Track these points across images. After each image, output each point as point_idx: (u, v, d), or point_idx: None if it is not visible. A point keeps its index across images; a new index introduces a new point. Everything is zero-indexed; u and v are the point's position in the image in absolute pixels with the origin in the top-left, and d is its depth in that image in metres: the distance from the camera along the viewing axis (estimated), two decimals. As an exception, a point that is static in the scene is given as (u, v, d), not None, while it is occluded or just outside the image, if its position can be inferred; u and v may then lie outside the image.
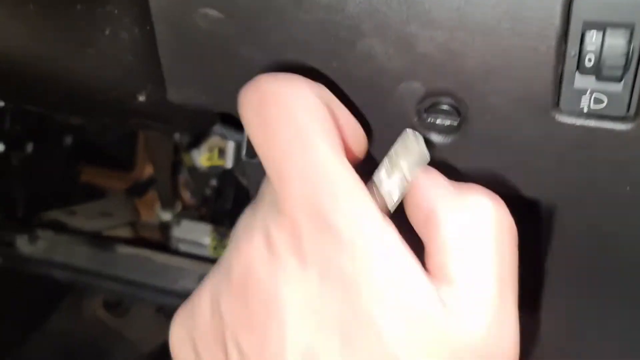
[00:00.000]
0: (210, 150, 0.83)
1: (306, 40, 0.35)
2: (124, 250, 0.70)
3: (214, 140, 0.83)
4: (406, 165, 0.32)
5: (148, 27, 0.38)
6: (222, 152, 0.82)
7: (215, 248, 0.83)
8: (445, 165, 0.38)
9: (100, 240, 0.76)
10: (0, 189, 0.76)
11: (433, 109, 0.36)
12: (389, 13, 0.33)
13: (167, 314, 0.92)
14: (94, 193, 0.95)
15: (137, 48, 0.39)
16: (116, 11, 0.36)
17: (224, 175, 0.86)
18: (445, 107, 0.35)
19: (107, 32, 0.37)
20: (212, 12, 0.36)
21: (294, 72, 0.33)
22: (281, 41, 0.36)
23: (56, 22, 0.36)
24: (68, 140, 0.90)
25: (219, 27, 0.37)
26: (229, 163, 0.80)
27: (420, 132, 0.36)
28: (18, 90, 0.41)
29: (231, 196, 0.86)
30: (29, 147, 0.80)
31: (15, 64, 0.37)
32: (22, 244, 0.70)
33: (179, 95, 0.41)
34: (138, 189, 0.99)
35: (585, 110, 0.32)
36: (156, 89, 0.40)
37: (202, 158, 0.84)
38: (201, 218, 0.91)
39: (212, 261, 0.71)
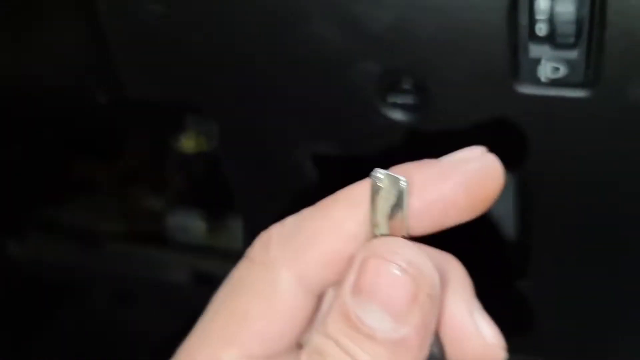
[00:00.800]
0: (197, 135, 0.82)
1: (254, 28, 0.35)
2: (115, 246, 0.70)
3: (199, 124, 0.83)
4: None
5: (97, 26, 0.37)
6: (209, 136, 0.81)
7: (208, 231, 0.83)
8: (413, 144, 0.37)
9: (90, 238, 0.76)
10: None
11: (395, 88, 0.35)
12: (334, -5, 0.32)
13: (163, 309, 0.92)
14: (84, 185, 0.95)
15: (89, 48, 0.38)
16: (61, 12, 0.36)
17: (213, 158, 0.85)
18: (407, 86, 0.35)
19: (54, 36, 0.36)
20: (155, 6, 0.35)
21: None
22: (228, 30, 0.35)
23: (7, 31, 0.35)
24: (54, 134, 0.89)
25: (163, 21, 0.36)
26: (215, 147, 0.79)
27: (383, 112, 0.36)
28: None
29: (222, 180, 0.86)
30: (14, 147, 0.80)
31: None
32: (13, 246, 0.70)
33: (136, 90, 0.40)
34: (128, 178, 0.99)
35: (543, 79, 0.32)
36: (115, 88, 0.40)
37: (188, 144, 0.83)
38: (193, 203, 0.91)
39: (206, 251, 0.71)
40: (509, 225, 0.49)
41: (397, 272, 0.21)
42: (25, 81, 0.38)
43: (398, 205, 0.23)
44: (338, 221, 0.23)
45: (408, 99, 0.35)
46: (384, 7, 0.32)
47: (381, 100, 0.36)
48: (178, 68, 0.38)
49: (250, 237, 0.50)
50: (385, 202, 0.23)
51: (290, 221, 0.25)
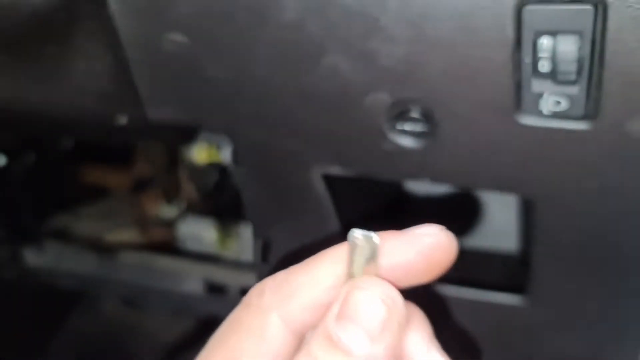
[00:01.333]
0: (209, 146, 0.84)
1: (270, 59, 0.36)
2: (129, 256, 0.72)
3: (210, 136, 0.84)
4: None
5: (121, 54, 0.39)
6: (219, 148, 0.83)
7: (220, 241, 0.85)
8: (421, 169, 0.39)
9: (105, 247, 0.78)
10: (5, 201, 0.78)
11: (404, 116, 0.37)
12: (348, 30, 0.34)
13: (175, 318, 0.94)
14: (97, 193, 0.97)
15: (113, 74, 0.40)
16: (85, 43, 0.37)
17: (224, 169, 0.87)
18: (415, 114, 0.36)
19: (80, 64, 0.38)
20: (178, 37, 0.37)
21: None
22: (246, 60, 0.37)
23: (28, 66, 0.37)
24: (68, 144, 0.92)
25: (186, 50, 0.38)
26: (227, 159, 0.81)
27: (392, 139, 0.38)
28: (5, 127, 0.43)
29: (233, 190, 0.87)
30: (30, 157, 0.81)
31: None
32: (30, 256, 0.72)
33: (157, 113, 0.42)
34: (140, 186, 1.01)
35: (545, 112, 0.33)
36: (136, 110, 0.42)
37: (200, 155, 0.85)
38: (205, 212, 0.93)
39: (218, 261, 0.73)
40: (510, 242, 0.51)
41: (377, 301, 0.26)
42: (50, 103, 0.40)
43: (372, 258, 0.27)
44: (318, 276, 0.28)
45: (416, 127, 0.37)
46: (395, 42, 0.33)
47: (390, 128, 0.37)
48: (197, 93, 0.40)
49: (260, 250, 0.52)
50: (360, 256, 0.28)
51: (280, 275, 0.29)
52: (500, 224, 0.53)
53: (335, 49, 0.35)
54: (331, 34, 0.34)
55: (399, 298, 0.27)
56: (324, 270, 0.28)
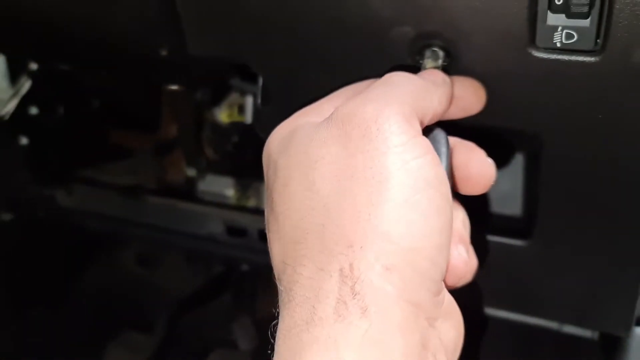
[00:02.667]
0: (230, 107, 0.87)
1: None
2: (153, 199, 0.75)
3: (233, 98, 0.87)
4: None
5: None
6: (241, 109, 0.86)
7: (238, 199, 0.88)
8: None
9: (131, 191, 0.82)
10: (36, 150, 0.82)
11: (425, 50, 0.39)
12: (379, -36, 0.37)
13: (196, 263, 0.98)
14: (122, 153, 1.00)
15: (159, 4, 0.43)
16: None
17: (244, 130, 0.90)
18: (435, 48, 0.39)
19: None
20: None
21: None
22: None
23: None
24: (95, 103, 0.95)
25: None
26: (248, 118, 0.84)
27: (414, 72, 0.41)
28: (49, 48, 0.46)
29: (252, 150, 0.91)
30: (60, 110, 0.85)
31: (51, 25, 0.42)
32: (61, 196, 0.76)
33: (199, 47, 0.45)
34: (164, 148, 1.04)
35: (558, 44, 0.36)
36: (177, 44, 0.45)
37: (222, 115, 0.88)
38: (224, 172, 0.96)
39: (236, 208, 0.76)
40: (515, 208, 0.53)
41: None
42: (99, 23, 0.43)
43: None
44: None
45: (436, 61, 0.39)
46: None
47: (412, 61, 0.40)
48: (235, 27, 0.43)
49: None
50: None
51: None
52: (506, 189, 0.55)
53: None
54: (362, -34, 0.37)
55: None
56: None
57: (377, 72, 0.41)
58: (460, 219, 0.38)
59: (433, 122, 0.36)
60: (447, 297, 0.33)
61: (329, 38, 0.41)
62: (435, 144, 0.35)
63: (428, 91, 0.35)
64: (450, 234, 0.32)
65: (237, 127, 0.89)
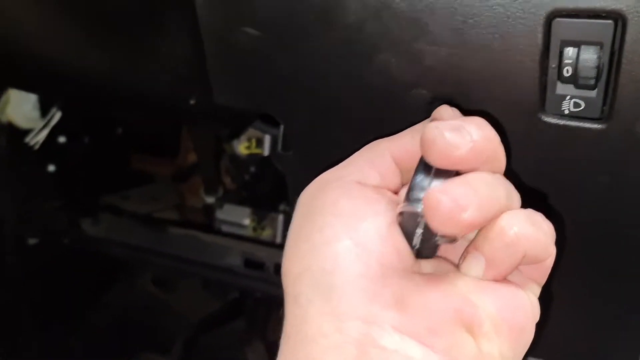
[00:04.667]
0: (249, 140, 0.89)
1: (330, 54, 0.42)
2: (175, 230, 0.78)
3: (252, 131, 0.90)
4: None
5: (198, 41, 0.45)
6: (259, 142, 0.89)
7: (254, 229, 0.90)
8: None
9: (153, 222, 0.84)
10: (63, 177, 0.85)
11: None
12: (400, 32, 0.39)
13: (212, 289, 1.00)
14: (143, 179, 1.03)
15: (190, 59, 0.46)
16: (172, 28, 0.43)
17: (262, 162, 0.93)
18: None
19: (164, 47, 0.44)
20: (251, 30, 0.43)
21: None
22: (309, 55, 0.42)
23: (124, 42, 0.43)
24: (119, 131, 0.99)
25: (257, 43, 0.43)
26: (266, 151, 0.87)
27: None
28: (89, 97, 0.49)
29: (269, 181, 0.93)
30: (86, 139, 0.88)
31: (89, 78, 0.44)
32: (87, 225, 0.79)
33: (224, 99, 0.48)
34: (183, 175, 1.07)
35: (567, 112, 0.38)
36: (205, 93, 0.47)
37: (241, 147, 0.90)
38: (241, 202, 0.98)
39: (253, 241, 0.78)
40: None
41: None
42: (134, 79, 0.46)
43: None
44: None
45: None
46: (440, 45, 0.39)
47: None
48: (261, 82, 0.45)
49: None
50: None
51: None
52: None
53: (387, 48, 0.40)
54: (385, 35, 0.40)
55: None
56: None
57: (395, 129, 0.44)
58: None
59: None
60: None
61: (350, 97, 0.43)
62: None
63: (402, 136, 0.36)
64: None
65: (255, 159, 0.91)
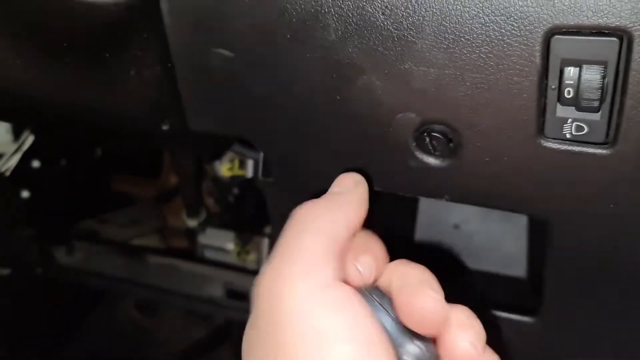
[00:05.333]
0: (231, 161, 0.86)
1: (311, 76, 0.39)
2: (154, 259, 0.74)
3: (234, 152, 0.87)
4: None
5: (169, 65, 0.42)
6: (242, 163, 0.86)
7: (238, 253, 0.87)
8: (443, 186, 0.41)
9: (131, 250, 0.81)
10: (38, 202, 0.81)
11: (430, 135, 0.39)
12: (386, 52, 0.36)
13: (197, 314, 0.96)
14: (124, 201, 1.00)
15: (160, 84, 0.43)
16: (140, 53, 0.40)
17: (245, 184, 0.89)
18: (439, 134, 0.38)
19: (132, 72, 0.40)
20: (224, 52, 0.40)
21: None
22: (288, 77, 0.39)
23: (89, 68, 0.40)
24: (98, 152, 0.95)
25: (231, 65, 0.40)
26: (249, 173, 0.84)
27: (417, 155, 0.40)
28: (56, 124, 0.45)
29: (252, 204, 0.90)
30: (63, 162, 0.85)
31: (54, 105, 0.41)
32: (60, 255, 0.75)
33: (198, 124, 0.44)
34: (164, 197, 1.04)
35: (568, 136, 0.35)
36: (178, 118, 0.44)
37: (223, 168, 0.87)
38: (225, 225, 0.95)
39: (237, 269, 0.75)
40: (521, 264, 0.52)
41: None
42: (104, 106, 0.43)
43: None
44: None
45: (441, 146, 0.39)
46: (429, 66, 0.35)
47: (416, 146, 0.39)
48: (237, 106, 0.42)
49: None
50: None
51: None
52: (511, 251, 0.54)
53: (372, 69, 0.37)
54: (369, 55, 0.36)
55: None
56: None
57: (378, 156, 0.41)
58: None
59: (359, 227, 0.36)
60: None
61: (331, 121, 0.40)
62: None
63: (337, 211, 0.35)
64: None
65: (238, 180, 0.88)
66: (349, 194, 0.37)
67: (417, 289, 0.32)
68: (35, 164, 0.80)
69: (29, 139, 0.74)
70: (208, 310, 0.69)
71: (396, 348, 0.31)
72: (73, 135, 0.51)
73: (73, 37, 0.38)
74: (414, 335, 0.32)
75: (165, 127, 0.45)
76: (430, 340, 0.32)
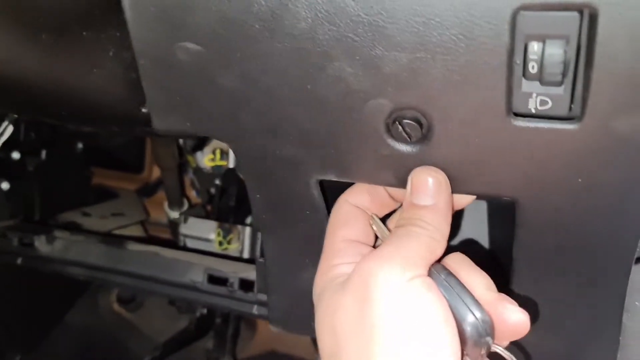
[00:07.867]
0: (213, 151, 0.87)
1: (280, 67, 0.38)
2: (135, 247, 0.74)
3: (216, 142, 0.88)
4: None
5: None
6: (224, 153, 0.86)
7: (220, 243, 0.87)
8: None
9: (112, 239, 0.81)
10: (18, 194, 0.81)
11: (401, 121, 0.39)
12: (356, 39, 0.36)
13: (178, 306, 0.97)
14: (106, 195, 1.00)
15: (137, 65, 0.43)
16: (118, 34, 0.40)
17: (227, 174, 0.90)
18: (410, 120, 0.38)
19: (111, 53, 0.41)
20: (191, 45, 0.39)
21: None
22: (257, 69, 0.39)
23: (66, 47, 0.40)
24: (79, 146, 0.95)
25: (198, 59, 0.39)
26: (231, 163, 0.84)
27: (390, 143, 0.40)
28: (33, 107, 0.46)
29: (234, 194, 0.90)
30: (43, 154, 0.85)
31: (31, 86, 0.42)
32: (41, 244, 0.75)
33: (163, 124, 0.44)
34: (147, 190, 1.04)
35: (533, 110, 0.36)
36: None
37: (205, 159, 0.88)
38: (207, 215, 0.96)
39: (218, 256, 0.75)
40: (502, 243, 0.53)
41: (432, 177, 0.40)
42: (84, 86, 0.43)
43: None
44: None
45: (412, 132, 0.39)
46: (400, 50, 0.36)
47: (388, 133, 0.39)
48: (203, 103, 0.41)
49: (260, 246, 0.53)
50: None
51: None
52: (471, 230, 0.55)
53: (343, 57, 0.37)
54: (340, 42, 0.37)
55: (445, 179, 0.41)
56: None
57: (350, 146, 0.41)
58: (485, 285, 0.40)
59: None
60: None
61: (303, 111, 0.40)
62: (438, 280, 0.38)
63: (432, 241, 0.40)
64: None
65: (220, 171, 0.89)
66: (435, 221, 0.40)
67: (498, 303, 0.38)
68: (15, 155, 0.80)
69: (8, 130, 0.74)
70: (189, 296, 0.69)
71: (458, 319, 0.37)
72: (51, 119, 0.51)
73: (49, 16, 0.38)
74: (473, 305, 0.37)
75: (144, 110, 0.45)
76: (485, 311, 0.37)
